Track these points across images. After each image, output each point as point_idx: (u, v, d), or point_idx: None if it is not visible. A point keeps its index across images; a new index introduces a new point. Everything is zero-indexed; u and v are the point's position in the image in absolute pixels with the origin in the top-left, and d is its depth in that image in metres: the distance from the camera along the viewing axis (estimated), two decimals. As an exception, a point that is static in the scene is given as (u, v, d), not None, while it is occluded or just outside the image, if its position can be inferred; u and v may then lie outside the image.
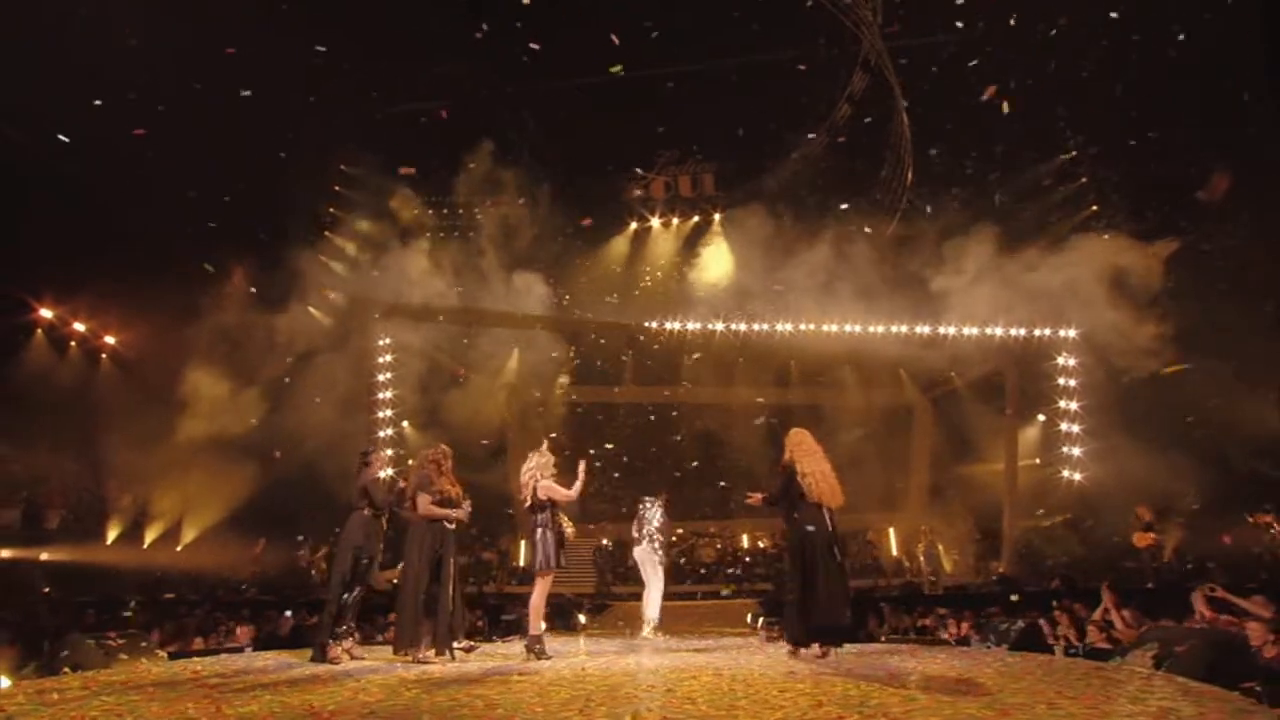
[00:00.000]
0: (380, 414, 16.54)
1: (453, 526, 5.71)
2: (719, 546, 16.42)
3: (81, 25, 12.20)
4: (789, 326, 16.94)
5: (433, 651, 5.29)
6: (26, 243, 13.85)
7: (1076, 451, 16.43)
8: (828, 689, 3.61)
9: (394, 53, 15.33)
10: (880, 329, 16.49)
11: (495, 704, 3.32)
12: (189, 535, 14.69)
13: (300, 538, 15.05)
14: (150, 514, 14.46)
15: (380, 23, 14.57)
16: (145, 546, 14.33)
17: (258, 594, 11.94)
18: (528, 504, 5.83)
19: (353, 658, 5.39)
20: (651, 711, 3.09)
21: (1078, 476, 16.17)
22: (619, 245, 17.79)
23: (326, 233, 15.88)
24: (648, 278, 17.43)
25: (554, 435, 15.04)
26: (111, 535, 14.11)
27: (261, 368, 14.99)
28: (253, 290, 14.82)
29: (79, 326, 15.16)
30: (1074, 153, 15.46)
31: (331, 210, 15.95)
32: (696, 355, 16.58)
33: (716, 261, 16.58)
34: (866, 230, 15.74)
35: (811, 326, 16.73)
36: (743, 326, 16.98)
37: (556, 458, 6.15)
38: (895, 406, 17.33)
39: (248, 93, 12.85)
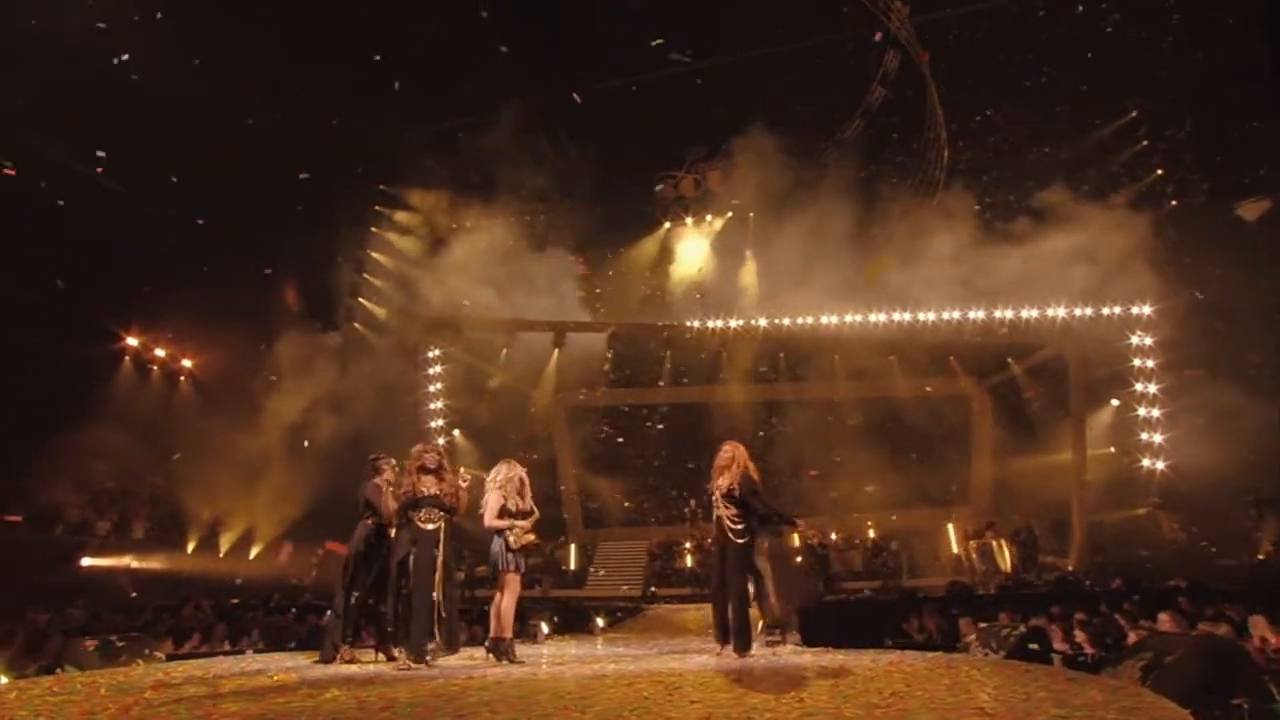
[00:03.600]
0: (432, 424, 17.16)
1: (430, 528, 5.47)
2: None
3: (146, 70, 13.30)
4: (833, 319, 16.46)
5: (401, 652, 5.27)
6: (114, 279, 15.38)
7: (1158, 438, 15.13)
8: (739, 699, 3.47)
9: (426, 73, 15.90)
10: (930, 316, 15.78)
11: (392, 703, 3.37)
12: (259, 544, 15.73)
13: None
14: (225, 524, 15.60)
15: (411, 45, 15.16)
16: (221, 555, 15.48)
17: (312, 599, 12.61)
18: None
19: (347, 661, 5.56)
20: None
21: (1161, 465, 14.88)
22: (653, 246, 17.74)
23: (371, 252, 16.61)
24: (682, 276, 17.28)
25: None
26: (191, 545, 15.28)
27: (319, 385, 15.87)
28: (306, 312, 15.73)
29: (160, 352, 16.60)
30: (1134, 113, 14.20)
31: (374, 230, 16.67)
32: (735, 353, 16.29)
33: (751, 256, 16.23)
34: (907, 215, 15.05)
35: (857, 318, 16.19)
36: (785, 321, 16.62)
37: (527, 471, 6.20)
38: (949, 397, 16.46)
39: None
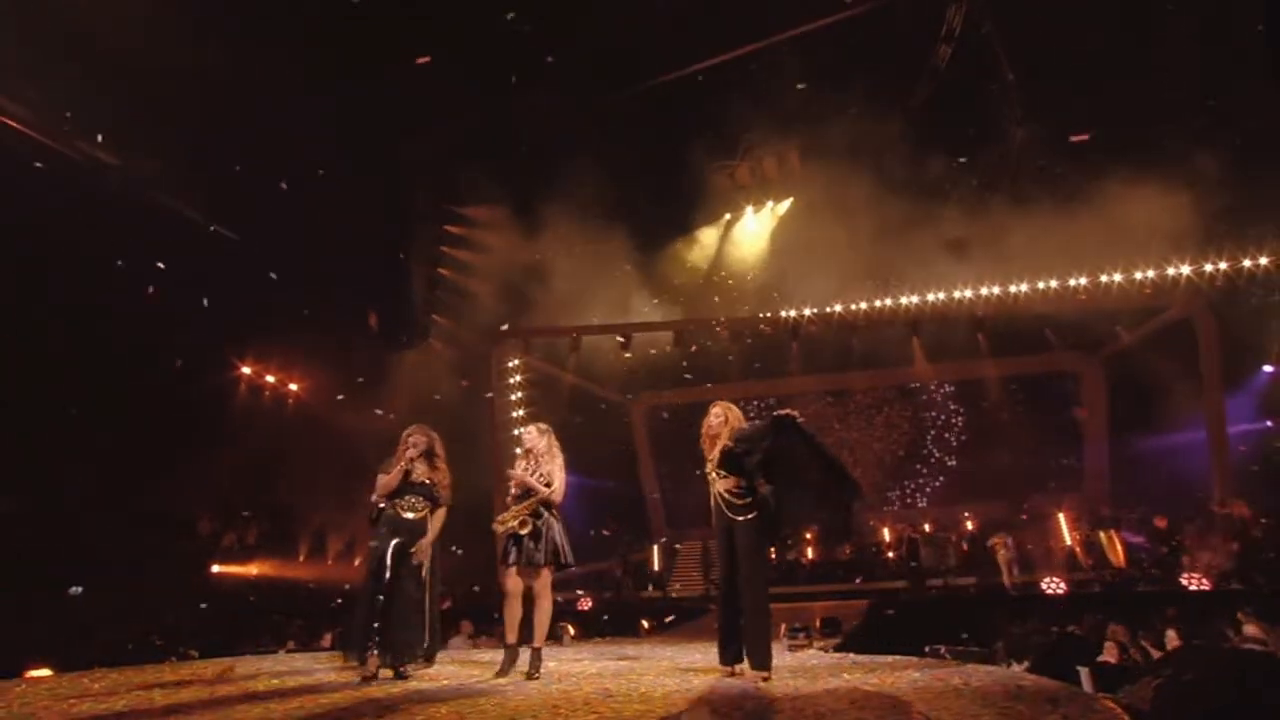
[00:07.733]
0: (515, 431, 17.68)
1: (410, 517, 4.85)
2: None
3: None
4: (915, 299, 15.36)
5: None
6: (228, 314, 17.10)
7: (1334, 407, 12.81)
8: (639, 716, 3.19)
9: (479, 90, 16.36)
10: (1023, 288, 14.32)
11: (297, 710, 3.40)
12: (361, 552, 16.91)
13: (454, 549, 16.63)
14: (331, 533, 16.90)
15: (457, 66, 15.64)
16: (330, 562, 16.80)
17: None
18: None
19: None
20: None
21: (1340, 439, 12.58)
22: (714, 237, 17.31)
23: (441, 269, 17.38)
24: (746, 267, 16.74)
25: None
26: (302, 553, 16.69)
27: (405, 400, 16.81)
28: (388, 333, 16.72)
29: (270, 379, 18.31)
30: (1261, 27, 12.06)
31: (444, 249, 17.40)
32: (807, 342, 15.54)
33: (815, 241, 15.37)
34: (985, 179, 13.70)
35: (941, 296, 15.02)
36: (863, 305, 15.69)
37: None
38: (1053, 374, 14.80)
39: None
